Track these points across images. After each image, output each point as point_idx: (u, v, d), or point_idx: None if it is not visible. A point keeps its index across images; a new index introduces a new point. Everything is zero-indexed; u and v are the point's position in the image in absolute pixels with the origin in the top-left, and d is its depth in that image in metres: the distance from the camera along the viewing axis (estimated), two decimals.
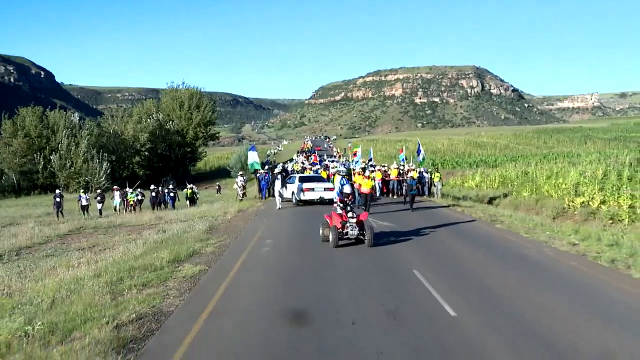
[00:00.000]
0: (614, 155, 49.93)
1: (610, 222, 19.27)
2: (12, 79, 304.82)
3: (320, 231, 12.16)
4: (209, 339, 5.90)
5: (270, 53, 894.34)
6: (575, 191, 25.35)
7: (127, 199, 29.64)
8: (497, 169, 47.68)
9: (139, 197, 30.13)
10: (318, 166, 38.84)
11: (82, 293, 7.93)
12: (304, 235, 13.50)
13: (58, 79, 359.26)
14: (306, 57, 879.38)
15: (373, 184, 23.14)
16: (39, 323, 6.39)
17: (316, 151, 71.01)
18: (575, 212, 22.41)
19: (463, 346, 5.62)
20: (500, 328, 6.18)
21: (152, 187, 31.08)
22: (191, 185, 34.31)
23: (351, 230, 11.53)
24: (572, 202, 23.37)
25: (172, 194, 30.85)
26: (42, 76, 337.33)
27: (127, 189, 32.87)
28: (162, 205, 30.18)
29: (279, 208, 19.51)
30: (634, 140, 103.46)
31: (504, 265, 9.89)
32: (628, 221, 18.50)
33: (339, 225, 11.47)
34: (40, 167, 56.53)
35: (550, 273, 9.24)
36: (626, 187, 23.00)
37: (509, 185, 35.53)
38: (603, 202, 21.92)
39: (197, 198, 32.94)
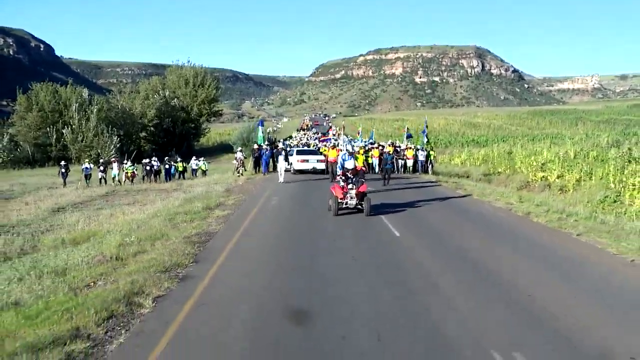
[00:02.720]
0: (595, 136, 53.59)
1: (560, 191, 22.94)
2: (11, 52, 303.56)
3: (328, 201, 13.10)
4: (243, 243, 9.61)
5: (270, 29, 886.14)
6: (542, 168, 28.96)
7: (125, 171, 31.15)
8: (484, 149, 51.33)
9: (149, 168, 31.64)
10: (330, 143, 41.73)
11: (149, 225, 11.56)
12: (302, 195, 17.15)
13: (57, 53, 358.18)
14: (307, 35, 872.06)
15: (365, 160, 26.26)
16: (132, 237, 10.04)
17: (316, 126, 74.59)
18: (536, 185, 26.08)
19: (399, 249, 9.26)
20: (424, 241, 9.87)
21: (145, 160, 32.50)
22: (189, 159, 36.58)
23: (350, 200, 12.64)
24: (535, 176, 27.04)
25: (167, 166, 32.31)
26: (41, 49, 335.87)
27: (125, 161, 34.53)
28: (155, 178, 30.98)
29: (281, 182, 21.15)
30: (623, 123, 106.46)
31: (445, 212, 13.59)
32: (572, 191, 22.17)
33: (340, 196, 12.61)
34: (54, 140, 59.76)
35: (478, 217, 12.93)
36: (581, 165, 26.61)
37: (490, 163, 39.13)
38: (560, 177, 25.56)
39: (207, 169, 36.12)
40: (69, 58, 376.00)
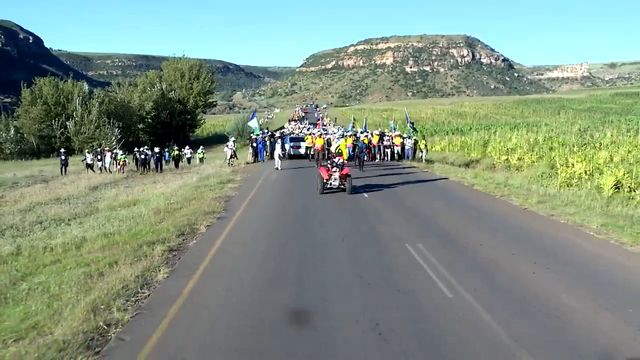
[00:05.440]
0: (570, 124, 57.61)
1: (517, 171, 26.77)
2: None
3: (317, 182, 14.90)
4: (253, 202, 13.33)
5: (261, 20, 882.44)
6: (507, 152, 32.81)
7: (117, 159, 32.09)
8: (464, 136, 55.14)
9: (143, 157, 32.23)
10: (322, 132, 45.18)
11: (180, 193, 15.20)
12: (295, 175, 20.82)
13: (46, 44, 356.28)
14: (297, 25, 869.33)
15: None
16: (172, 200, 13.67)
17: (305, 114, 78.42)
18: (500, 166, 29.93)
19: (368, 206, 12.95)
20: (383, 199, 13.62)
21: (137, 149, 33.47)
22: (178, 147, 38.01)
23: (333, 181, 14.60)
24: (499, 159, 30.91)
25: (157, 156, 32.61)
26: (30, 41, 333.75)
27: (117, 150, 35.87)
28: (148, 167, 31.65)
29: (278, 169, 22.62)
30: (604, 111, 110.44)
31: (408, 185, 17.30)
32: (525, 170, 26.02)
33: (326, 177, 14.59)
34: (58, 132, 62.82)
35: (431, 187, 16.70)
36: (540, 148, 30.47)
37: (466, 149, 42.96)
38: (520, 159, 29.40)
39: (204, 157, 38.26)
40: (58, 50, 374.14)
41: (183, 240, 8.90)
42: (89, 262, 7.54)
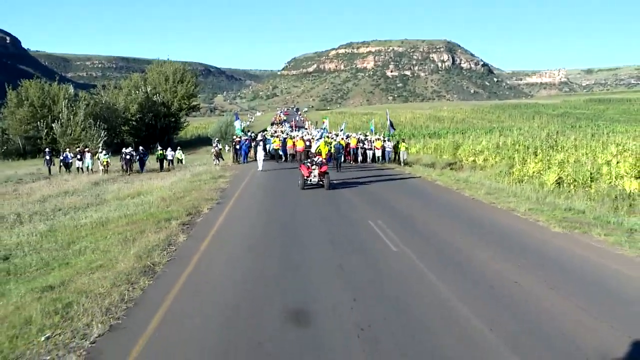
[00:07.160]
0: (541, 128, 61.01)
1: (481, 170, 29.45)
2: None
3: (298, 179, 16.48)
4: (245, 193, 15.51)
5: (242, 23, 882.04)
6: (474, 153, 35.55)
7: (99, 160, 31.59)
8: (439, 140, 58.04)
9: (129, 157, 31.50)
10: (298, 133, 47.18)
11: (178, 186, 17.28)
12: (278, 173, 23.05)
13: (24, 45, 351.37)
14: (278, 28, 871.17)
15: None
16: (173, 191, 15.78)
17: (287, 116, 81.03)
18: (466, 166, 32.62)
19: (342, 197, 15.23)
20: (355, 192, 15.95)
21: (123, 150, 32.86)
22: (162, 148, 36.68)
23: (313, 178, 16.21)
24: (467, 160, 33.63)
25: (140, 156, 32.35)
26: (7, 42, 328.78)
27: (100, 151, 35.31)
28: (132, 167, 31.47)
29: (260, 170, 23.25)
30: (575, 116, 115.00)
31: (382, 182, 19.70)
32: (489, 169, 28.72)
33: (307, 174, 16.21)
34: (44, 134, 63.81)
35: (401, 183, 19.11)
36: (506, 150, 33.24)
37: (439, 151, 45.71)
38: (485, 160, 32.14)
39: (182, 158, 36.77)
40: (36, 51, 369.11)
41: (191, 218, 11.10)
42: (121, 232, 9.67)
